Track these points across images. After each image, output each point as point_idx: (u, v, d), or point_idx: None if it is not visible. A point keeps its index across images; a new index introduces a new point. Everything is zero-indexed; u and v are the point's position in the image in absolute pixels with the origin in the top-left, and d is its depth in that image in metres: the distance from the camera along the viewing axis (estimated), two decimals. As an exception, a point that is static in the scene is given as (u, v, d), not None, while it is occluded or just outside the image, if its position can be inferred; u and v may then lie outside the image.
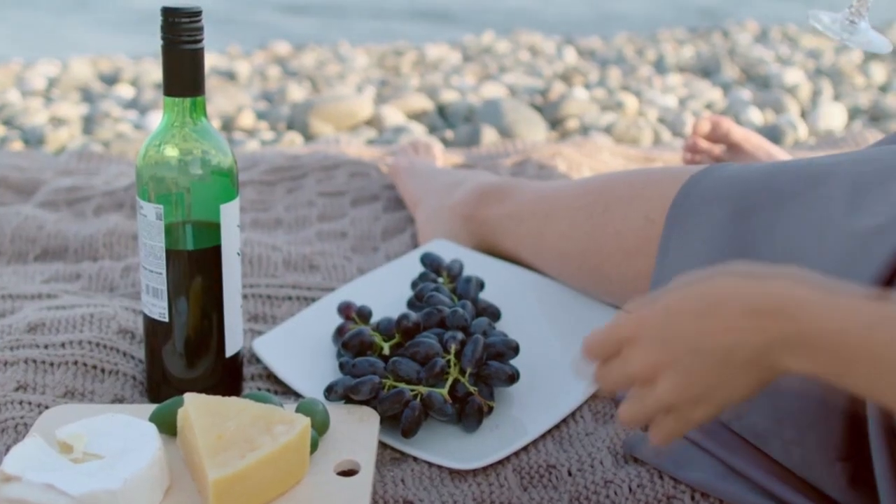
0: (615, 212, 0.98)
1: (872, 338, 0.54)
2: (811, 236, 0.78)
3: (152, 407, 0.84)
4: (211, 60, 2.65)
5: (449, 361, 0.89)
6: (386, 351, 0.93)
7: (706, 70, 2.61)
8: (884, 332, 0.54)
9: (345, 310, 0.99)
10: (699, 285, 0.62)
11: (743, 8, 4.79)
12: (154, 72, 2.47)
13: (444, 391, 0.87)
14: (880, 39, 0.95)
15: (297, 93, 2.29)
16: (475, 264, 1.11)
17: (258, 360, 0.99)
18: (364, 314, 0.98)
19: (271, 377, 0.97)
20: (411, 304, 1.03)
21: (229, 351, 0.91)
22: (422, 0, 4.93)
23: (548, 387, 0.93)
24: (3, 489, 0.69)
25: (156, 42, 0.86)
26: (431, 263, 1.06)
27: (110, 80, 2.48)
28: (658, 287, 0.89)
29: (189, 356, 0.89)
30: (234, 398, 0.77)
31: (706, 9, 4.78)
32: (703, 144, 1.41)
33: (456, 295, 1.03)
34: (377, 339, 0.93)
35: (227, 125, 2.06)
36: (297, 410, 0.81)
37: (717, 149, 1.41)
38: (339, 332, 0.98)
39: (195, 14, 0.83)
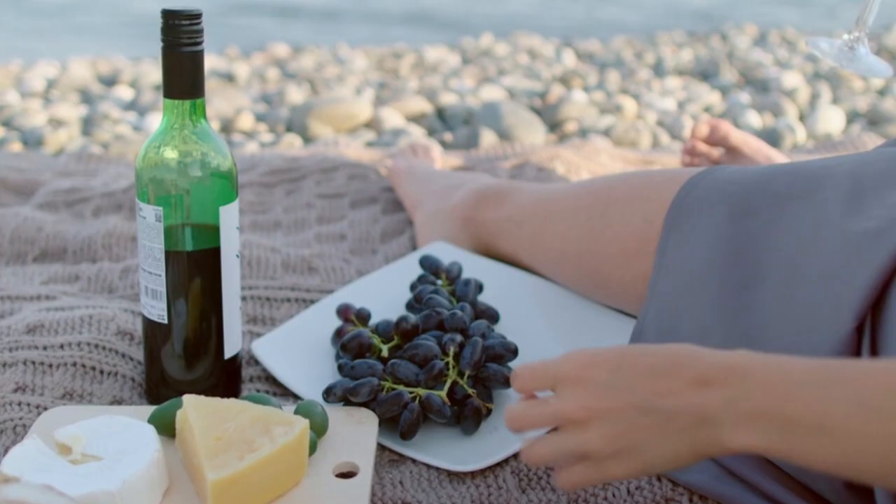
0: (614, 214, 0.98)
1: (818, 403, 0.54)
2: (809, 239, 0.78)
3: (151, 408, 0.84)
4: (210, 62, 2.66)
5: (447, 364, 0.89)
6: (385, 353, 0.93)
7: (705, 73, 2.61)
8: (828, 396, 0.54)
9: (343, 312, 0.99)
10: (660, 346, 0.62)
11: (740, 10, 4.79)
12: (153, 73, 2.47)
13: (443, 393, 0.87)
14: (880, 65, 0.95)
15: (296, 95, 2.29)
16: (474, 267, 1.11)
17: (257, 362, 1.00)
18: (363, 316, 0.98)
19: (270, 379, 0.97)
20: (410, 307, 1.03)
21: (228, 353, 0.91)
22: (418, 4, 4.93)
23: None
24: (2, 490, 0.69)
25: (155, 44, 0.87)
26: (430, 266, 1.06)
27: (109, 81, 2.48)
28: (655, 289, 0.89)
29: (188, 358, 0.90)
30: (232, 400, 0.77)
31: (704, 13, 4.78)
32: (702, 147, 1.41)
33: (455, 297, 1.03)
34: (376, 341, 0.94)
35: (227, 127, 2.06)
36: (296, 412, 0.81)
37: (716, 152, 1.41)
38: (338, 334, 0.98)
39: (195, 16, 0.83)
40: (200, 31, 0.84)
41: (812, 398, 0.54)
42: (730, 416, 0.57)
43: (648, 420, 0.60)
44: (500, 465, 0.84)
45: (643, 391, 0.60)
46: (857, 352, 0.69)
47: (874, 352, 0.68)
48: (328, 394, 0.87)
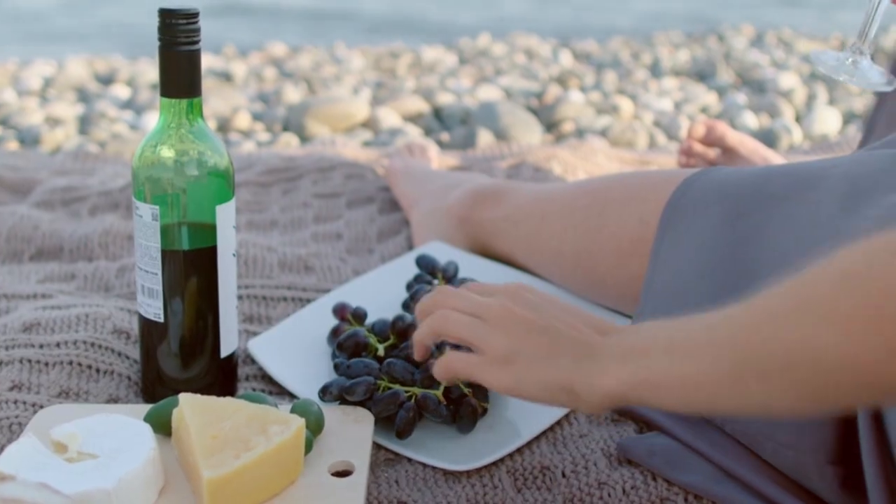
0: (610, 214, 0.99)
1: (676, 331, 0.61)
2: (803, 239, 0.78)
3: (147, 407, 0.84)
4: (207, 62, 2.66)
5: (443, 363, 0.89)
6: (381, 352, 0.93)
7: (701, 74, 2.61)
8: (685, 326, 0.60)
9: (340, 311, 0.99)
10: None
11: (736, 12, 4.79)
12: (150, 72, 2.47)
13: (439, 392, 0.87)
14: (881, 77, 0.95)
15: (293, 94, 2.29)
16: (470, 266, 1.11)
17: (253, 361, 1.00)
18: (359, 315, 0.98)
19: (266, 378, 0.98)
20: (406, 306, 1.04)
21: (224, 351, 0.91)
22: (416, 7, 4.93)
23: (542, 389, 0.93)
24: (-2, 488, 0.69)
25: (152, 43, 0.87)
26: (426, 265, 1.06)
27: (106, 80, 2.48)
28: (650, 289, 0.89)
29: (184, 356, 0.90)
30: (228, 398, 0.77)
31: (700, 16, 4.79)
32: (698, 148, 1.42)
33: (451, 297, 1.03)
34: (372, 340, 0.94)
35: (223, 126, 2.06)
36: (292, 411, 0.81)
37: (712, 152, 1.41)
38: (334, 333, 0.98)
39: (192, 15, 0.83)
40: (197, 30, 0.84)
41: (674, 333, 0.61)
42: (611, 355, 0.64)
43: (546, 338, 0.68)
44: (495, 464, 0.84)
45: (555, 318, 0.70)
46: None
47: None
48: (324, 393, 0.87)
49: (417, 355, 0.80)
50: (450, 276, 1.05)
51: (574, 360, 0.66)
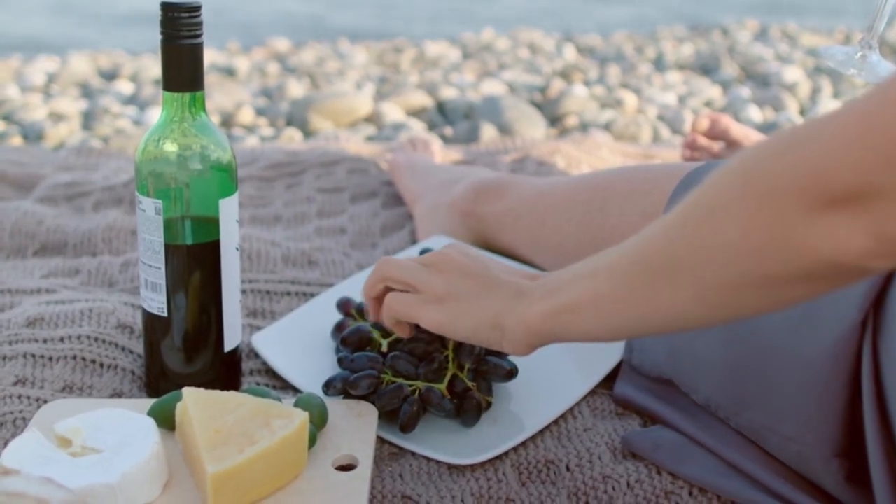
0: (613, 208, 0.98)
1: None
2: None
3: (151, 401, 0.84)
4: (210, 57, 2.65)
5: (447, 357, 0.89)
6: (385, 348, 0.93)
7: (706, 68, 2.61)
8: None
9: (344, 306, 0.99)
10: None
11: (740, 6, 4.79)
12: (153, 67, 2.47)
13: (443, 386, 0.87)
14: (890, 71, 0.95)
15: (297, 89, 2.29)
16: (474, 260, 1.11)
17: (257, 355, 1.00)
18: (364, 311, 0.98)
19: (270, 372, 0.97)
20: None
21: (228, 346, 0.91)
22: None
23: (546, 382, 0.93)
24: (2, 482, 0.69)
25: (155, 37, 0.86)
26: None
27: (109, 75, 2.48)
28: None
29: (188, 351, 0.89)
30: (232, 393, 0.77)
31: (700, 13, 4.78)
32: (702, 141, 1.41)
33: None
34: (376, 335, 0.93)
35: (227, 121, 2.06)
36: (296, 405, 0.81)
37: (716, 146, 1.41)
38: (339, 328, 0.98)
39: (194, 9, 0.83)
40: (200, 24, 0.84)
41: (594, 261, 0.67)
42: (538, 294, 0.70)
43: (479, 280, 0.75)
44: (499, 458, 0.84)
45: (489, 265, 0.77)
46: (859, 346, 0.69)
47: (874, 345, 0.68)
48: (328, 387, 0.87)
49: (371, 315, 0.85)
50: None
51: (504, 299, 0.72)
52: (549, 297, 0.69)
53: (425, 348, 0.89)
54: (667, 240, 0.59)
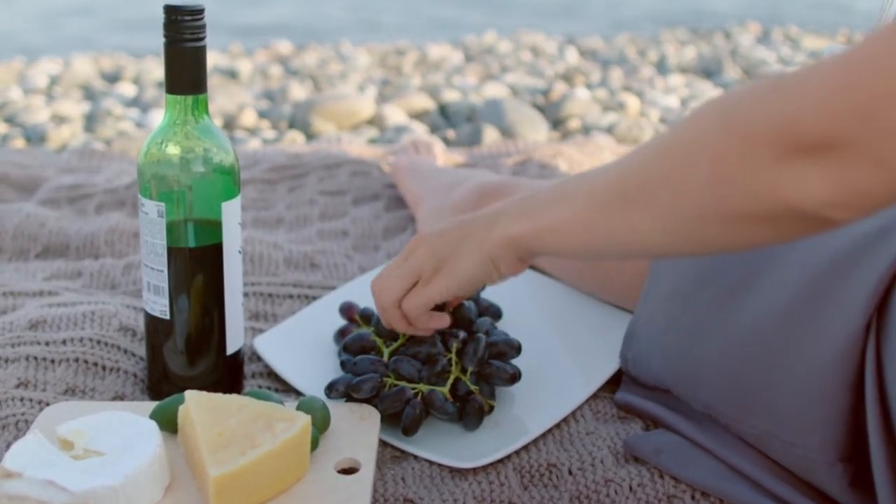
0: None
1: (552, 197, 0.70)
2: (812, 237, 0.77)
3: (153, 404, 0.84)
4: (213, 59, 2.66)
5: (450, 360, 0.89)
6: (387, 356, 0.92)
7: (708, 71, 2.61)
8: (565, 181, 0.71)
9: (347, 311, 0.98)
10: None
11: (743, 7, 4.79)
12: (156, 70, 2.47)
13: (446, 390, 0.87)
14: None
15: (299, 92, 2.29)
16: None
17: (259, 358, 0.99)
18: (367, 316, 0.97)
19: (272, 375, 0.97)
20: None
21: (230, 349, 0.91)
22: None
23: (549, 386, 0.93)
24: (4, 485, 0.69)
25: (158, 40, 0.86)
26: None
27: (112, 78, 2.48)
28: (653, 285, 0.89)
29: (190, 354, 0.89)
30: (234, 396, 0.77)
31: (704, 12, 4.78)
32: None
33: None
34: (378, 343, 0.93)
35: (229, 124, 2.06)
36: (298, 408, 0.81)
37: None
38: (342, 333, 0.98)
39: (197, 12, 0.83)
40: (203, 27, 0.84)
41: (566, 184, 0.70)
42: (513, 214, 0.74)
43: (456, 231, 0.79)
44: (502, 461, 0.84)
45: (460, 217, 0.80)
46: (863, 350, 0.69)
47: (878, 349, 0.68)
48: (330, 390, 0.87)
49: (409, 329, 0.87)
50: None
51: (482, 229, 0.76)
52: (528, 217, 0.72)
53: (428, 351, 0.89)
54: (642, 169, 0.62)
